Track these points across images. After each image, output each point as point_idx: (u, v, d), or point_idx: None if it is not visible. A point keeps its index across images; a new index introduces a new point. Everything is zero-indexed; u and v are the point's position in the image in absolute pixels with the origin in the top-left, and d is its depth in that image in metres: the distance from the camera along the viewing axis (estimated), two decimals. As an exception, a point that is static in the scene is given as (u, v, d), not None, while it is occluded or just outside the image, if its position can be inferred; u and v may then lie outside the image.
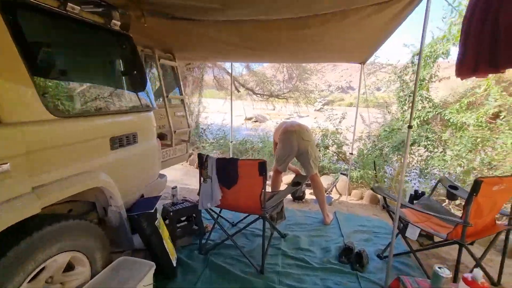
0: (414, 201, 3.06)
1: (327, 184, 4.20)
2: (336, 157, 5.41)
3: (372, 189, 2.33)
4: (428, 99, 7.25)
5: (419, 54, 1.98)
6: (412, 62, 7.71)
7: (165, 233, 2.04)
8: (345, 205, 3.75)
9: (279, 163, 3.15)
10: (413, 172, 6.11)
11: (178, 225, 2.49)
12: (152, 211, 1.85)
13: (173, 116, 2.90)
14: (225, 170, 2.09)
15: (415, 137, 5.41)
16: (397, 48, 9.71)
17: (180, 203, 2.55)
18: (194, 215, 2.55)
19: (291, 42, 2.69)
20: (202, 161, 2.14)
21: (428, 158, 5.49)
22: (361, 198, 3.96)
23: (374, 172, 4.72)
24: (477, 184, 1.83)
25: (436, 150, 5.28)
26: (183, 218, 2.58)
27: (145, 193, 2.10)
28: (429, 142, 5.29)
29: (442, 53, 7.16)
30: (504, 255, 2.26)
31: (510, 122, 6.49)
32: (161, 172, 2.46)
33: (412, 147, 5.99)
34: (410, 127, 2.05)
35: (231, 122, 4.43)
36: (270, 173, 3.65)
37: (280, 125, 3.30)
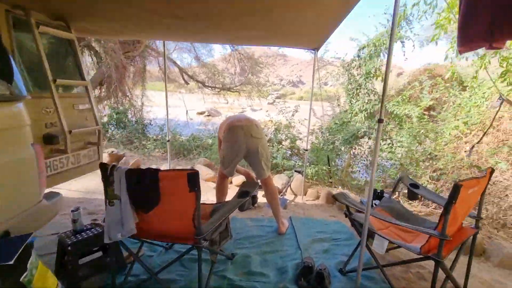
0: (375, 201, 2.76)
1: (281, 184, 3.76)
2: (289, 153, 5.03)
3: (334, 197, 1.90)
4: (373, 92, 7.34)
5: (390, 36, 1.59)
6: (359, 56, 7.73)
7: (47, 283, 1.34)
8: (301, 207, 3.35)
9: (224, 165, 2.58)
10: (361, 163, 6.08)
11: (83, 260, 1.77)
12: (11, 262, 1.14)
13: (70, 109, 2.09)
14: (140, 187, 1.45)
15: (365, 129, 5.31)
16: (344, 42, 9.77)
17: (86, 229, 1.83)
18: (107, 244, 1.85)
19: (234, 16, 2.11)
20: (106, 175, 1.46)
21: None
22: (317, 197, 3.61)
23: (328, 167, 4.45)
24: (456, 190, 1.49)
25: (384, 142, 5.23)
26: (94, 249, 1.86)
27: (16, 228, 1.36)
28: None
29: (386, 48, 7.29)
30: (471, 258, 2.04)
31: (442, 114, 6.88)
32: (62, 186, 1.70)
33: (361, 140, 5.94)
34: (380, 121, 1.64)
35: (167, 116, 3.71)
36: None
37: (225, 120, 2.72)
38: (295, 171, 3.98)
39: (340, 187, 4.24)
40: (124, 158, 4.26)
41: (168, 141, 3.38)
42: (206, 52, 12.14)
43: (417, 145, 5.18)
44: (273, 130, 5.60)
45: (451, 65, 8.34)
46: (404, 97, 6.77)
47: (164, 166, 4.20)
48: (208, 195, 3.56)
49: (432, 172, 4.37)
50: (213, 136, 6.92)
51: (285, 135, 5.34)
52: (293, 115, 5.39)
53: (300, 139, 5.46)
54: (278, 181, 3.85)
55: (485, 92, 4.41)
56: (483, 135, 4.19)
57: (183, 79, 12.60)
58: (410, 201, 3.24)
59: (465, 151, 4.16)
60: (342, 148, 5.40)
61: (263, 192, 3.05)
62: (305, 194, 3.66)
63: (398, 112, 6.44)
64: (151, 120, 7.86)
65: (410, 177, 2.50)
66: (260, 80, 13.18)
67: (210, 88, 12.98)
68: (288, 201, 3.47)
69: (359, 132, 5.30)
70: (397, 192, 3.74)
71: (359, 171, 6.04)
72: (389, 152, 5.21)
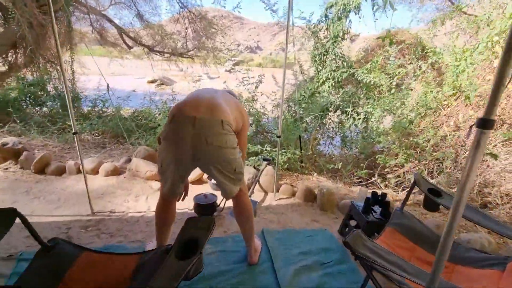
0: (374, 208, 2.06)
1: (247, 179, 2.90)
2: (254, 131, 4.13)
3: (347, 245, 1.08)
4: (342, 58, 6.59)
5: None
6: (326, 16, 6.80)
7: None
8: (275, 211, 2.57)
9: (162, 179, 1.60)
10: (327, 135, 5.46)
11: None
12: None
13: None
14: None
15: (339, 102, 4.57)
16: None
17: None
18: None
19: None
20: None
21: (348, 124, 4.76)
22: (293, 194, 2.85)
23: (301, 152, 3.69)
24: None
25: (359, 116, 4.58)
26: None
27: None
28: (353, 108, 4.51)
29: (354, 7, 6.43)
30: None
31: (406, 83, 6.48)
32: None
33: (331, 113, 5.25)
34: (487, 124, 0.80)
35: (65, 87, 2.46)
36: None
37: (186, 97, 1.65)
38: (264, 159, 3.13)
39: (315, 174, 3.54)
40: (25, 153, 2.95)
41: (75, 133, 2.15)
42: (151, 9, 10.09)
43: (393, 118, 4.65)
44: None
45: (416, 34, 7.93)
46: (374, 64, 6.16)
47: (86, 163, 3.02)
48: (150, 202, 2.57)
49: (411, 149, 3.88)
50: (164, 111, 5.65)
51: (247, 110, 4.40)
52: (256, 87, 4.40)
53: (265, 114, 4.56)
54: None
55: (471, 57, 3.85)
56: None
57: (124, 42, 10.54)
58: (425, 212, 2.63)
59: (465, 136, 3.62)
60: (312, 125, 4.65)
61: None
62: (277, 191, 2.87)
63: (368, 81, 5.85)
64: (78, 94, 6.18)
65: (428, 180, 1.80)
66: (216, 45, 11.60)
67: (159, 54, 11.15)
68: (258, 202, 2.66)
69: (332, 106, 4.57)
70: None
71: (324, 144, 5.44)
72: (362, 126, 4.62)
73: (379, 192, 2.09)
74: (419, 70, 5.97)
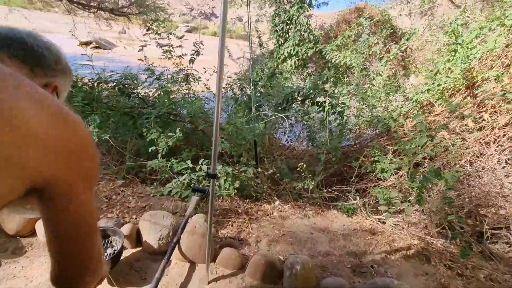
0: None
1: (155, 241, 1.49)
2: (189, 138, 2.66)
3: None
4: (308, 30, 5.21)
5: None
6: (291, -27, 5.24)
7: None
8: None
9: None
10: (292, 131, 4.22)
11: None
12: None
13: None
14: None
15: (307, 91, 3.26)
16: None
17: None
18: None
19: None
20: None
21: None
22: (241, 267, 1.54)
23: (256, 165, 2.37)
24: None
25: (333, 109, 3.32)
26: None
27: None
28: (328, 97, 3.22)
29: (326, -35, 5.00)
30: None
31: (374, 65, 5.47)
32: None
33: (295, 104, 3.93)
34: None
35: None
36: None
37: None
38: (194, 190, 1.73)
39: (277, 202, 2.27)
40: None
41: None
42: None
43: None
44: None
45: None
46: (345, 40, 4.93)
47: None
48: None
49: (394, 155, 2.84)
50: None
51: (180, 98, 2.83)
52: (192, 61, 2.79)
53: (207, 102, 3.06)
54: (146, 232, 1.56)
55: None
56: None
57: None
58: None
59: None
60: (271, 117, 3.30)
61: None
62: (213, 261, 1.53)
63: (338, 61, 4.64)
64: None
65: None
66: (159, 3, 9.17)
67: (81, 7, 8.39)
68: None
69: (299, 94, 3.25)
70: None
71: (285, 139, 4.22)
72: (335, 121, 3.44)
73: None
74: (390, 51, 4.88)
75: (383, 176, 2.34)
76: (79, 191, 0.43)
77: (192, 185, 1.97)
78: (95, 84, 2.46)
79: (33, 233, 1.60)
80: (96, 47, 16.56)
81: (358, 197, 2.55)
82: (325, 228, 2.06)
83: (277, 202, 2.25)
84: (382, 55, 5.34)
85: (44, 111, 0.38)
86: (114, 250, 1.43)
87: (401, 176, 2.46)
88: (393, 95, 3.79)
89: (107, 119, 2.51)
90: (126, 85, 2.61)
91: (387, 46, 5.74)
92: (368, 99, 3.43)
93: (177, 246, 1.51)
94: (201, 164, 2.04)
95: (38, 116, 0.37)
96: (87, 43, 15.11)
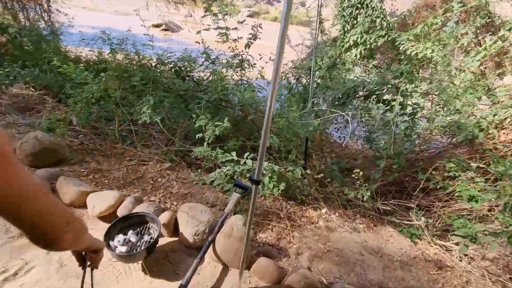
0: None
1: (191, 235, 1.41)
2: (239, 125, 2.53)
3: None
4: (382, 15, 4.55)
5: None
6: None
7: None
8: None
9: None
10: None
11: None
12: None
13: None
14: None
15: (374, 86, 2.80)
16: None
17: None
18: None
19: None
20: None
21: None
22: (278, 281, 1.37)
23: (304, 164, 2.13)
24: None
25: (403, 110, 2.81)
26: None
27: None
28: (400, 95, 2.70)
29: None
30: None
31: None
32: None
33: (357, 100, 3.46)
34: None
35: None
36: None
37: None
38: (237, 185, 1.59)
39: (324, 209, 2.02)
40: None
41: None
42: None
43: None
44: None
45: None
46: (427, 28, 4.16)
47: None
48: None
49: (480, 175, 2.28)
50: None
51: (232, 87, 2.69)
52: (248, 45, 2.60)
53: (260, 91, 2.88)
54: (183, 224, 1.48)
55: None
56: None
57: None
58: None
59: None
60: (328, 113, 2.96)
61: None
62: (247, 268, 1.39)
63: (415, 53, 3.95)
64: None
65: None
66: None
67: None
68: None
69: (363, 89, 2.82)
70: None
71: (338, 136, 3.84)
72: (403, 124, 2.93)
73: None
74: (482, 44, 3.96)
75: (463, 200, 1.88)
76: None
77: (235, 179, 1.84)
78: (154, 65, 2.47)
79: (84, 205, 1.67)
80: (165, 30, 17.58)
81: (422, 217, 2.13)
82: (378, 250, 1.75)
83: (324, 210, 2.00)
84: (470, 48, 4.43)
85: None
86: (151, 238, 1.39)
87: (492, 207, 1.95)
88: (479, 99, 3.10)
89: (162, 101, 2.52)
90: (182, 68, 2.57)
91: (479, 38, 4.73)
92: (450, 100, 2.84)
93: (211, 245, 1.41)
94: (246, 158, 1.89)
95: None
96: (158, 26, 16.12)
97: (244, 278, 1.34)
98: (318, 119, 2.40)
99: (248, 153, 1.96)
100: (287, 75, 3.96)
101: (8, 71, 2.99)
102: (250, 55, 2.75)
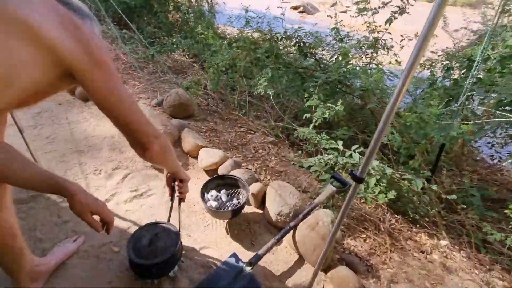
0: None
1: (278, 211, 1.35)
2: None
3: None
4: None
5: None
6: None
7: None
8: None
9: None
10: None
11: None
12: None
13: None
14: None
15: None
16: None
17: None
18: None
19: None
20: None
21: None
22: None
23: (429, 175, 1.64)
24: None
25: None
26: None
27: None
28: None
29: None
30: None
31: None
32: None
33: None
34: None
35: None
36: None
37: None
38: (334, 177, 1.40)
39: (447, 242, 1.53)
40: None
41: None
42: None
43: None
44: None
45: None
46: None
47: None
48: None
49: None
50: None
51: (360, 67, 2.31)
52: (391, 20, 2.13)
53: (391, 79, 2.40)
54: (270, 200, 1.43)
55: None
56: None
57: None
58: None
59: None
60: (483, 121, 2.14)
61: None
62: (324, 271, 1.22)
63: None
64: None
65: None
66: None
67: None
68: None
69: None
70: None
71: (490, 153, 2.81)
72: None
73: None
74: None
75: None
76: (95, 73, 0.58)
77: (334, 170, 1.64)
78: (278, 38, 2.45)
79: (197, 156, 1.90)
80: (302, 12, 17.57)
81: None
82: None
83: (444, 242, 1.51)
84: None
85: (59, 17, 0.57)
86: (238, 203, 1.43)
87: None
88: None
89: (280, 76, 2.51)
90: (306, 44, 2.44)
91: None
92: None
93: (292, 231, 1.31)
94: (353, 151, 1.63)
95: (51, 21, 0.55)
96: (295, 8, 16.32)
97: (317, 280, 1.19)
98: (467, 124, 1.76)
99: (357, 146, 1.68)
100: (432, 65, 3.14)
101: (174, 41, 3.81)
102: (389, 33, 2.28)
